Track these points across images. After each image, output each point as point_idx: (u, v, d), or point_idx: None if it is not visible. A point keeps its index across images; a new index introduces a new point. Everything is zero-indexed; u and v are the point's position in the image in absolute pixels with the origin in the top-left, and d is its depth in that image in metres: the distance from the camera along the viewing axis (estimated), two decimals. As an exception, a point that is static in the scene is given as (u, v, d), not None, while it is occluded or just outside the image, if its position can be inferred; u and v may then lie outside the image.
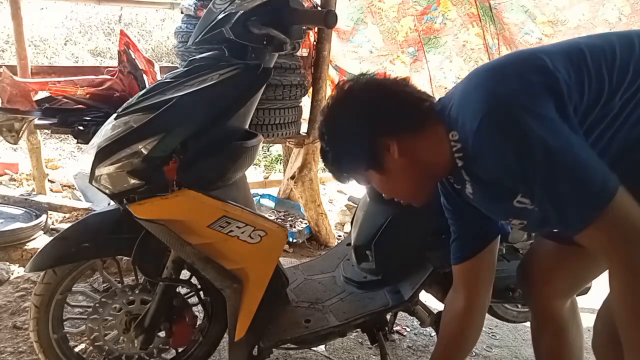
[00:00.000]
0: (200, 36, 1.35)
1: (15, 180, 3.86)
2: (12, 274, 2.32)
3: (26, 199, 2.81)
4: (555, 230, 1.28)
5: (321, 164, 4.94)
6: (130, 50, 2.60)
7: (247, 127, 1.48)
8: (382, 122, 1.09)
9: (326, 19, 1.28)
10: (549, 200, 0.94)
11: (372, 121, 1.10)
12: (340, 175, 1.20)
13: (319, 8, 2.68)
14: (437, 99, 1.18)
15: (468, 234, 1.30)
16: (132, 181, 1.26)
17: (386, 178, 1.14)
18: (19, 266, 2.38)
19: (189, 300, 1.59)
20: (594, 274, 1.35)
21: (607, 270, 0.97)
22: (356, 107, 1.12)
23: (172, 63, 5.77)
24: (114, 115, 1.32)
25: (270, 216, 2.71)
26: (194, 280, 1.59)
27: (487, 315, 1.46)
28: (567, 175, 0.91)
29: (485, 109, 0.98)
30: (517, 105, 0.95)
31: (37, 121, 2.46)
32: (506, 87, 0.98)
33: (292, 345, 1.63)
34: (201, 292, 1.59)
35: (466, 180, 1.14)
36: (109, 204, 1.57)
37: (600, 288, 1.55)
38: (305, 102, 2.97)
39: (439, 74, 3.47)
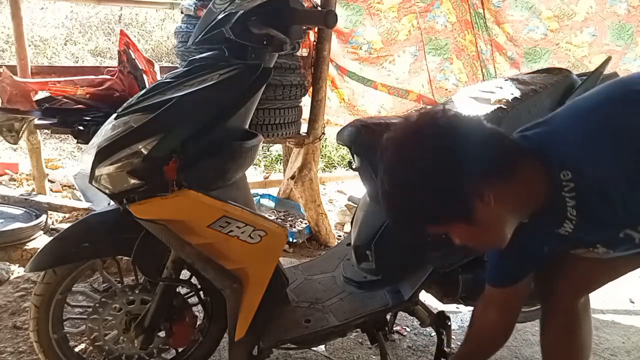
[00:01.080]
0: (200, 36, 1.35)
1: (15, 180, 3.85)
2: (12, 274, 2.31)
3: (26, 199, 2.81)
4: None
5: (321, 164, 4.96)
6: (130, 50, 2.60)
7: (247, 127, 1.48)
8: (477, 167, 0.96)
9: (326, 19, 1.28)
10: None
11: (465, 167, 0.95)
12: (408, 229, 1.08)
13: (319, 8, 2.69)
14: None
15: (517, 264, 1.25)
16: (132, 181, 1.26)
17: (474, 228, 1.01)
18: (19, 266, 2.38)
19: (189, 300, 1.59)
20: (614, 276, 1.33)
21: None
22: (444, 151, 0.95)
23: (172, 63, 5.77)
24: (114, 115, 1.32)
25: (270, 216, 2.71)
26: (194, 280, 1.59)
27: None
28: None
29: (627, 150, 0.92)
30: None
31: (37, 121, 2.46)
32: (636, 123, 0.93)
33: (292, 345, 1.63)
34: (201, 292, 1.59)
35: (569, 219, 1.06)
36: (109, 204, 1.57)
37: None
38: (305, 102, 2.97)
39: (439, 75, 3.46)
